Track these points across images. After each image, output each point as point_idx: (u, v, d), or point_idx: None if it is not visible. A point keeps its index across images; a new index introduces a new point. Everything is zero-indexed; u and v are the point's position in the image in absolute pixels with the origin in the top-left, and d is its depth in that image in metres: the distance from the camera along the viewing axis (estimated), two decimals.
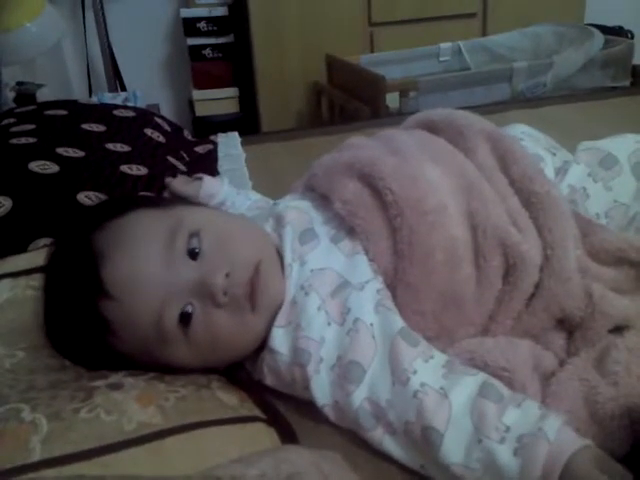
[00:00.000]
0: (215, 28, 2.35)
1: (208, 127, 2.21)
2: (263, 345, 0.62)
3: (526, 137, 0.84)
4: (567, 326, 0.63)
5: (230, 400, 0.58)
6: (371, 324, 0.58)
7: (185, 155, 1.22)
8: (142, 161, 1.00)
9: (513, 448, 0.48)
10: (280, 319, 0.61)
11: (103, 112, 1.18)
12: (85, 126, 1.07)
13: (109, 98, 2.18)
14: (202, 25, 2.33)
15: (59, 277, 0.61)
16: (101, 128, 1.09)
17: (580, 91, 1.95)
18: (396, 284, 0.63)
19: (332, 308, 0.60)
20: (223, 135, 1.39)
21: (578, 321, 0.62)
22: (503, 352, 0.59)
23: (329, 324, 0.59)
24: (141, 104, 2.15)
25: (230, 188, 0.88)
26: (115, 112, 1.20)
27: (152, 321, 0.57)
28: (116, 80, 2.43)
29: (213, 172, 1.18)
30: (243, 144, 1.34)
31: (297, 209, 0.70)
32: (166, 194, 0.91)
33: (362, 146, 0.74)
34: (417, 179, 0.65)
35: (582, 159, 0.77)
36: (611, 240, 0.67)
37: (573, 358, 0.59)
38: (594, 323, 0.61)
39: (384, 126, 0.92)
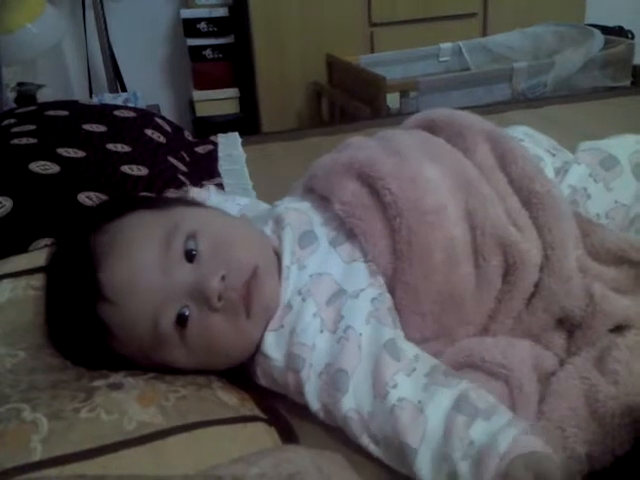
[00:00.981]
0: (215, 29, 2.35)
1: (208, 127, 2.21)
2: (257, 348, 0.62)
3: (527, 138, 0.84)
4: (567, 326, 0.63)
5: (231, 400, 0.58)
6: (360, 334, 0.58)
7: (186, 155, 1.22)
8: (143, 161, 1.01)
9: (472, 460, 0.48)
10: (272, 322, 0.61)
11: (104, 112, 1.18)
12: (86, 126, 1.07)
13: (110, 98, 2.19)
14: (202, 26, 2.33)
15: (59, 280, 0.61)
16: (102, 128, 1.09)
17: (580, 91, 1.95)
18: (395, 284, 0.63)
19: (327, 315, 0.60)
20: (223, 135, 1.39)
21: (578, 321, 0.62)
22: (501, 350, 0.59)
23: (322, 331, 0.59)
24: (141, 104, 2.16)
25: (217, 196, 0.88)
26: (116, 112, 1.20)
27: (149, 324, 0.57)
28: (116, 81, 2.43)
29: (214, 172, 1.18)
30: (243, 144, 1.34)
31: (296, 210, 0.70)
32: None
33: (361, 146, 0.74)
34: (416, 179, 0.65)
35: (583, 159, 0.77)
36: (611, 240, 0.66)
37: (573, 357, 0.59)
38: (594, 323, 0.61)
39: (384, 126, 0.92)
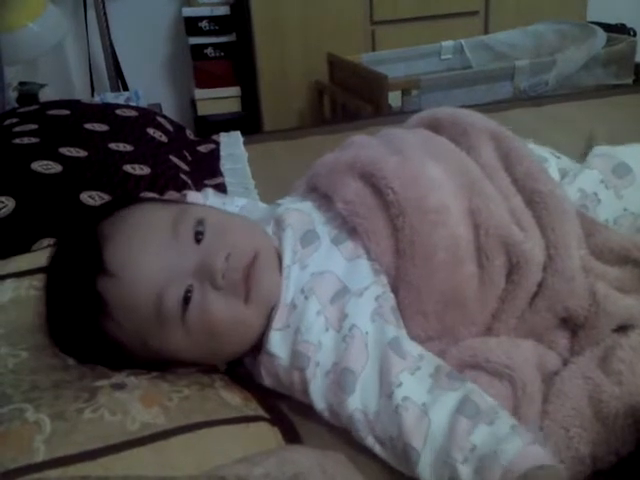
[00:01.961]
0: (217, 27, 2.35)
1: (210, 126, 2.21)
2: (261, 347, 0.62)
3: (552, 157, 0.83)
4: (571, 325, 0.63)
5: (234, 400, 0.58)
6: (366, 332, 0.58)
7: (188, 154, 1.22)
8: (145, 161, 1.00)
9: (474, 467, 0.48)
10: (277, 322, 0.61)
11: (105, 112, 1.18)
12: (88, 126, 1.07)
13: (111, 97, 2.19)
14: (204, 24, 2.33)
15: (61, 259, 0.62)
16: (104, 128, 1.09)
17: (582, 89, 1.95)
18: (398, 284, 0.63)
19: (331, 314, 0.60)
20: (225, 134, 1.39)
21: (582, 320, 0.62)
22: (505, 350, 0.59)
23: (327, 330, 0.59)
24: (143, 103, 2.16)
25: (215, 199, 0.88)
26: (117, 112, 1.20)
27: (153, 300, 0.57)
28: (118, 79, 2.43)
29: (216, 172, 1.18)
30: (245, 143, 1.33)
31: (298, 211, 0.70)
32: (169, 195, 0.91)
33: (364, 145, 0.74)
34: (419, 178, 0.64)
35: (595, 165, 0.77)
36: (615, 239, 0.66)
37: (577, 357, 0.59)
38: (598, 322, 0.60)
39: (386, 124, 0.92)
